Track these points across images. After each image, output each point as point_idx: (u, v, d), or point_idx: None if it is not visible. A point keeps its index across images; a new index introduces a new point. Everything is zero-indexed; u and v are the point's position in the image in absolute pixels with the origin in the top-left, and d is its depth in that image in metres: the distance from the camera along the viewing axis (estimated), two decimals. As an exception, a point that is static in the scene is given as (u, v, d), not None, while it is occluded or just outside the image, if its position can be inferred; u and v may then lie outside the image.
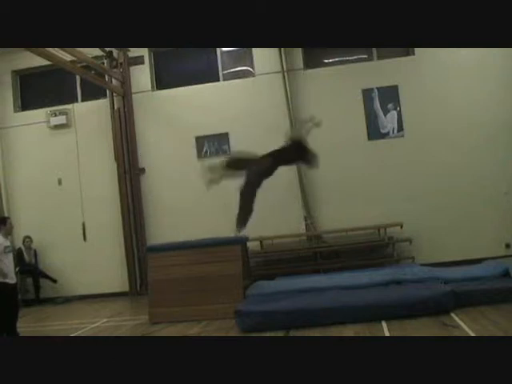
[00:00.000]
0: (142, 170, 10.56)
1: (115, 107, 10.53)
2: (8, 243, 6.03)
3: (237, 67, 10.67)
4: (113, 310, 8.46)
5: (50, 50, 8.18)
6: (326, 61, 10.44)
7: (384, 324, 5.33)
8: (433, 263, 8.30)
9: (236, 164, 6.78)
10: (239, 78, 10.54)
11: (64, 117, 10.74)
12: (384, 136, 9.91)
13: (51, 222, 10.57)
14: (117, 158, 10.39)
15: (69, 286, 10.45)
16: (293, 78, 10.10)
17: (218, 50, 10.57)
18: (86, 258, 10.41)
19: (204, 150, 10.39)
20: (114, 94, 10.56)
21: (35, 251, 10.56)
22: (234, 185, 9.96)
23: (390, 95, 9.86)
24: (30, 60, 9.75)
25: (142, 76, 10.70)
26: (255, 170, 6.40)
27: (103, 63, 10.50)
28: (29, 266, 10.35)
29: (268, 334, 5.24)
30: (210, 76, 10.62)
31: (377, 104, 9.92)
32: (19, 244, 10.53)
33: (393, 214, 9.48)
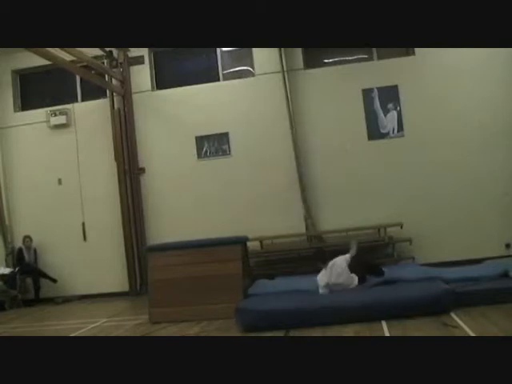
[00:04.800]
0: (142, 170, 10.56)
1: (115, 107, 10.53)
2: None
3: (237, 67, 10.67)
4: (113, 310, 8.46)
5: (50, 50, 8.18)
6: (326, 61, 10.45)
7: (384, 324, 5.32)
8: (433, 263, 8.30)
9: None
10: (239, 77, 10.55)
11: (64, 117, 10.74)
12: (384, 136, 9.91)
13: (51, 222, 10.57)
14: (117, 158, 10.39)
15: (69, 286, 10.45)
16: (293, 78, 10.10)
17: (218, 49, 10.58)
18: (86, 257, 10.41)
19: (204, 149, 10.40)
20: (114, 94, 10.56)
21: (35, 251, 10.57)
22: (233, 184, 10.04)
23: (390, 95, 9.86)
24: (30, 60, 9.75)
25: (141, 76, 10.70)
26: None
27: (103, 63, 10.50)
28: (28, 266, 10.35)
29: (268, 334, 5.23)
30: (210, 76, 10.62)
31: (377, 104, 9.92)
32: (19, 244, 10.54)
33: (393, 214, 9.48)
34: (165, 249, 7.44)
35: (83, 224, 10.62)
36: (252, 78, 10.43)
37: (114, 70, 10.53)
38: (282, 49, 10.01)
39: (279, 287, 7.11)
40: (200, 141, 10.38)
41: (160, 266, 7.18)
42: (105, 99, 10.75)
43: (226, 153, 10.30)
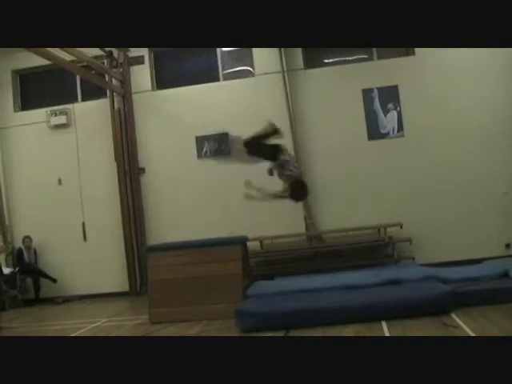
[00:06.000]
0: (142, 170, 10.56)
1: (115, 107, 10.53)
2: None
3: (237, 67, 10.67)
4: (113, 310, 8.46)
5: (50, 49, 8.18)
6: (326, 61, 10.45)
7: (384, 324, 5.32)
8: (433, 263, 8.30)
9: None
10: (239, 77, 10.55)
11: (64, 117, 10.74)
12: (384, 136, 9.91)
13: (51, 222, 10.57)
14: (117, 158, 10.39)
15: (69, 286, 10.45)
16: (293, 78, 10.10)
17: (218, 49, 10.58)
18: (86, 257, 10.41)
19: (204, 150, 10.40)
20: (114, 94, 10.56)
21: (35, 251, 10.57)
22: (234, 185, 10.03)
23: (390, 95, 9.86)
24: (30, 60, 9.75)
25: (141, 76, 10.70)
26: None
27: (103, 63, 10.50)
28: (28, 266, 10.35)
29: (268, 334, 5.23)
30: (210, 76, 10.62)
31: (377, 104, 9.92)
32: (19, 244, 10.54)
33: (393, 214, 9.49)
34: (165, 249, 7.45)
35: (83, 224, 10.62)
36: (252, 78, 10.43)
37: (114, 70, 10.53)
38: (282, 49, 10.01)
39: (279, 287, 7.11)
40: (200, 141, 10.38)
41: (160, 266, 7.18)
42: (105, 99, 10.74)
43: (225, 153, 10.29)
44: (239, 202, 9.99)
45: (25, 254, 10.42)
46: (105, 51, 10.32)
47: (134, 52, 10.60)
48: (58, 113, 10.79)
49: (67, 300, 10.20)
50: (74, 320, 8.02)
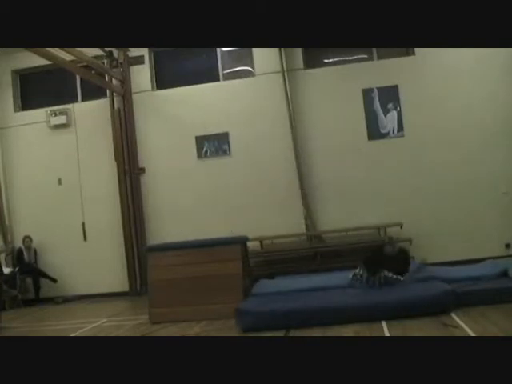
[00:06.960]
0: (142, 170, 10.57)
1: (115, 107, 10.53)
2: None
3: (237, 67, 10.67)
4: (113, 310, 8.46)
5: (50, 49, 8.18)
6: (326, 61, 10.45)
7: (384, 324, 5.33)
8: (433, 263, 8.29)
9: None
10: (239, 78, 10.55)
11: (64, 117, 10.74)
12: (384, 136, 9.91)
13: (51, 222, 10.57)
14: (117, 158, 10.39)
15: (69, 286, 10.45)
16: (293, 77, 10.10)
17: (218, 49, 10.58)
18: (86, 257, 10.41)
19: (204, 149, 10.40)
20: (114, 94, 10.56)
21: (35, 251, 10.57)
22: (234, 184, 10.04)
23: (390, 95, 9.86)
24: (30, 60, 9.76)
25: (141, 76, 10.70)
26: None
27: (103, 63, 10.50)
28: (29, 266, 10.35)
29: (268, 334, 5.23)
30: (210, 76, 10.62)
31: (377, 104, 9.92)
32: (19, 244, 10.54)
33: (393, 213, 9.49)
34: (165, 249, 7.45)
35: (83, 224, 10.62)
36: (252, 78, 10.43)
37: (114, 70, 10.53)
38: (282, 49, 10.01)
39: (281, 287, 7.10)
40: (200, 141, 10.39)
41: (160, 266, 7.18)
42: (105, 99, 10.74)
43: (225, 153, 10.31)
44: (239, 201, 10.08)
45: (25, 254, 10.42)
46: (105, 51, 10.32)
47: (134, 52, 10.60)
48: (57, 113, 10.79)
49: (67, 300, 10.20)
50: (74, 320, 8.02)
